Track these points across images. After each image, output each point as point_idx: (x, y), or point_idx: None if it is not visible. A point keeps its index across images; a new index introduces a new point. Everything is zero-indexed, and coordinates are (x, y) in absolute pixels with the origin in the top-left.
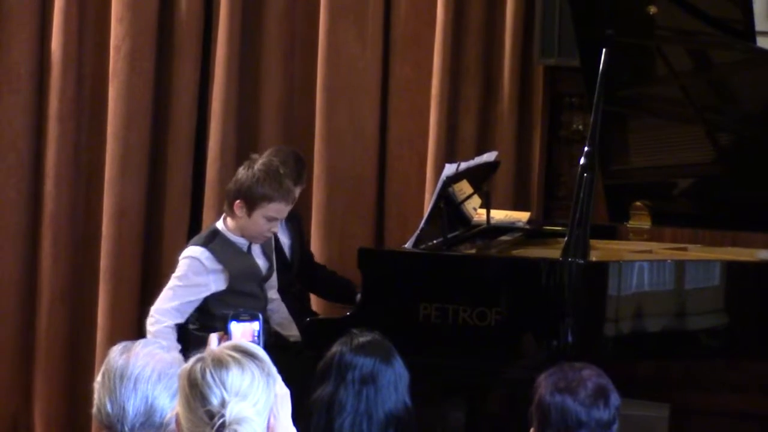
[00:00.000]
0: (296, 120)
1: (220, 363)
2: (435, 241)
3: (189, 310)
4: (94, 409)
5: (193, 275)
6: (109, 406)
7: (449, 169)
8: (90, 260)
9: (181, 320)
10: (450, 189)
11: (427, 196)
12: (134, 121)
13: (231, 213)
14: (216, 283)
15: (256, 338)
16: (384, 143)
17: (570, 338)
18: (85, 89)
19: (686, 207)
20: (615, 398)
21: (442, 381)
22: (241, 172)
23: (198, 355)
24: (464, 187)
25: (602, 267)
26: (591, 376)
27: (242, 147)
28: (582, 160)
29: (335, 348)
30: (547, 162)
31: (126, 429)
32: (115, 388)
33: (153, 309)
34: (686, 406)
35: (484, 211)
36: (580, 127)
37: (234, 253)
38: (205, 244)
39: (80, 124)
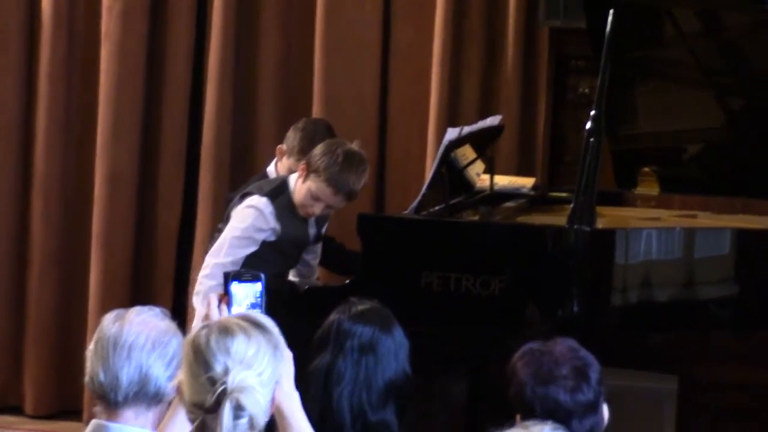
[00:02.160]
0: (294, 82)
1: (226, 331)
2: (437, 208)
3: (239, 264)
4: (87, 379)
5: (255, 228)
6: (102, 375)
7: (452, 133)
8: (82, 225)
9: None
10: (452, 154)
11: (428, 161)
12: (127, 83)
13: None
14: (266, 239)
15: (258, 299)
16: (384, 107)
17: (576, 308)
18: (76, 49)
19: (695, 173)
20: (594, 372)
21: (444, 352)
22: (324, 154)
23: (205, 323)
24: (467, 152)
25: (609, 234)
26: (566, 356)
27: (239, 110)
28: (588, 125)
29: (333, 316)
30: (552, 126)
31: (119, 398)
32: (109, 356)
33: (210, 262)
34: (695, 377)
35: (487, 177)
36: (587, 90)
37: (292, 214)
38: (272, 198)
39: (71, 84)
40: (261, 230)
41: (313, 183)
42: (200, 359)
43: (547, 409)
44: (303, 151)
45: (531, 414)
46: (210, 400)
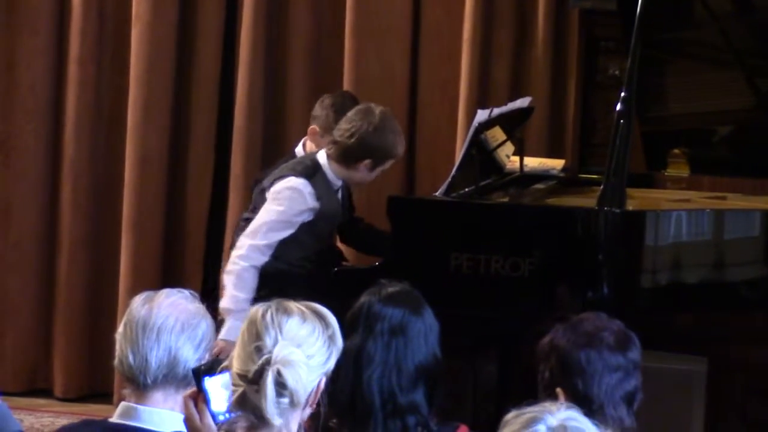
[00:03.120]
0: (324, 65)
1: (284, 309)
2: (467, 189)
3: (273, 248)
4: (116, 361)
5: (294, 209)
6: (131, 358)
7: (481, 115)
8: (111, 208)
9: (265, 261)
10: (482, 135)
11: (458, 143)
12: (157, 65)
13: (348, 165)
14: (304, 220)
15: (230, 390)
16: (414, 89)
17: (605, 289)
18: (107, 31)
19: (725, 155)
20: (634, 336)
21: (473, 333)
22: (362, 127)
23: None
24: (497, 134)
25: (639, 216)
26: (604, 322)
27: (269, 92)
28: (618, 107)
29: (363, 299)
30: (582, 108)
31: (149, 381)
32: (138, 339)
33: (245, 243)
34: (724, 359)
35: (517, 159)
36: (617, 72)
37: (329, 192)
38: (309, 177)
39: (101, 67)
40: (300, 212)
41: (385, 165)
42: (252, 330)
43: (598, 367)
44: (332, 122)
45: (581, 376)
46: (253, 369)
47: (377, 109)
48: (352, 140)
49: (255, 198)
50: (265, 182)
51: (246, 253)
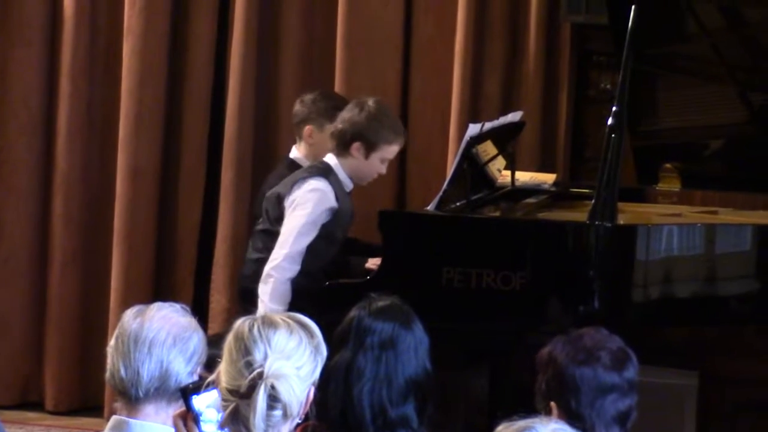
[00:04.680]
0: (316, 76)
1: (270, 322)
2: (458, 203)
3: (301, 257)
4: (108, 374)
5: (319, 209)
6: (122, 371)
7: (473, 129)
8: (103, 221)
9: (297, 270)
10: (474, 150)
11: (450, 156)
12: (149, 78)
13: (344, 153)
14: (324, 219)
15: (219, 406)
16: (406, 101)
17: (597, 304)
18: (98, 44)
19: (717, 169)
20: (632, 354)
21: (465, 347)
22: (356, 112)
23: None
24: (488, 148)
25: (630, 231)
26: (604, 338)
27: (261, 104)
28: (610, 121)
29: (353, 312)
30: (573, 122)
31: (140, 394)
32: (130, 352)
33: (279, 254)
34: (716, 373)
35: (508, 173)
36: (608, 86)
37: (343, 192)
38: (326, 177)
39: (93, 80)
40: (324, 211)
41: (382, 152)
42: (240, 345)
43: (591, 386)
44: (323, 111)
45: (575, 395)
46: (245, 384)
47: (371, 99)
48: (343, 125)
49: (268, 208)
50: (280, 190)
51: (281, 264)
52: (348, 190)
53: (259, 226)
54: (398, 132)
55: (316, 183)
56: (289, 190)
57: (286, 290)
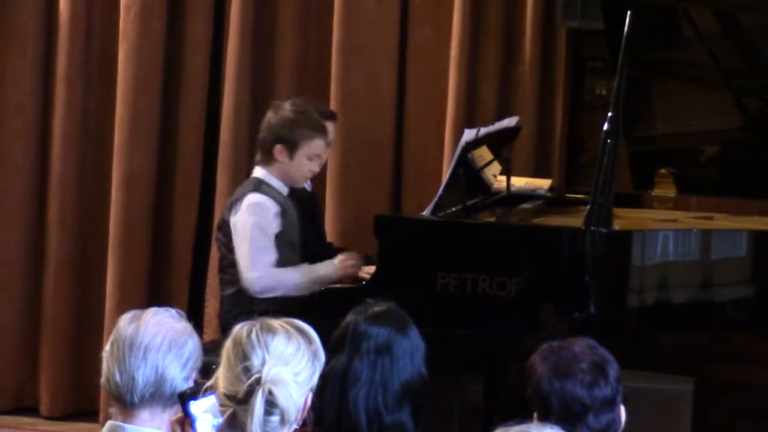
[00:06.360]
0: (311, 82)
1: (268, 328)
2: (454, 209)
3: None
4: (103, 379)
5: (265, 219)
6: (118, 376)
7: (468, 134)
8: (98, 227)
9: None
10: (469, 155)
11: (445, 162)
12: (144, 83)
13: (270, 160)
14: (277, 228)
15: (217, 411)
16: (401, 107)
17: (592, 309)
18: (94, 50)
19: (713, 175)
20: (613, 369)
21: (460, 353)
22: (272, 117)
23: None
24: (484, 153)
25: (626, 236)
26: (584, 352)
27: (256, 109)
28: (605, 126)
29: (349, 318)
30: (569, 128)
31: (135, 399)
32: (125, 357)
33: (259, 271)
34: (711, 379)
35: (504, 178)
36: (604, 92)
37: (281, 195)
38: (257, 190)
39: (89, 86)
40: (271, 221)
41: (306, 150)
42: (238, 350)
43: (564, 403)
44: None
45: (548, 408)
46: (243, 389)
47: (288, 101)
48: (262, 133)
49: (219, 238)
50: (224, 215)
51: (266, 273)
52: (285, 194)
53: (223, 261)
54: (317, 127)
55: (251, 198)
56: (228, 214)
57: (274, 278)
